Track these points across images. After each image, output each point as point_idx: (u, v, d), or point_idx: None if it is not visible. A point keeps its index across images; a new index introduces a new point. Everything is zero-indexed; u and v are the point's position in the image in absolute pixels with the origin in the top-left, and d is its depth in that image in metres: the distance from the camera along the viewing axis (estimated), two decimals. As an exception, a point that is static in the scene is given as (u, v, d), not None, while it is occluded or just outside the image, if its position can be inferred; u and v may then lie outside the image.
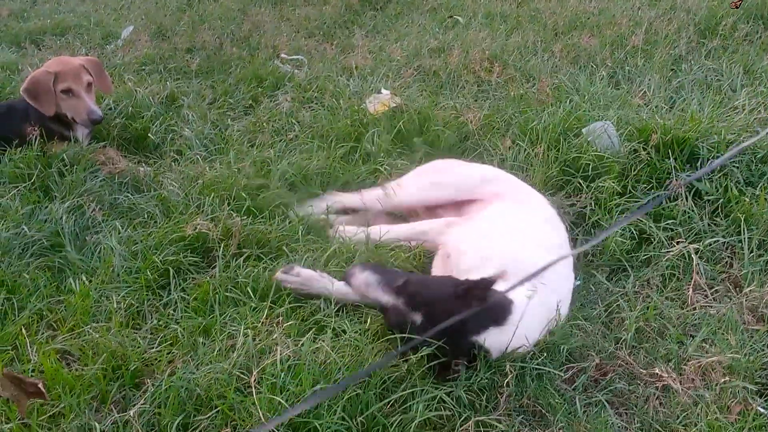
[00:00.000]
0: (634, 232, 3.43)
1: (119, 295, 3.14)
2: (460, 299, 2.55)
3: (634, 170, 3.73)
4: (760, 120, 4.15)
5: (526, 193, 3.45)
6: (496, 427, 2.47)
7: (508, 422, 2.50)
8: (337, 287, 3.01)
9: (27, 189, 3.82)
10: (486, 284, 2.55)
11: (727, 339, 2.80)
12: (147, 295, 3.15)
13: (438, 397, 2.51)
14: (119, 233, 3.48)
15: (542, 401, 2.56)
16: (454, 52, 5.26)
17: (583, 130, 3.98)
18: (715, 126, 3.92)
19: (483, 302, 2.51)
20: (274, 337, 2.68)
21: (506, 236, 3.09)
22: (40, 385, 1.94)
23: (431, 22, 6.41)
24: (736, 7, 5.56)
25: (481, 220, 3.26)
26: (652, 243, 3.41)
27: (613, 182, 3.63)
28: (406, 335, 2.60)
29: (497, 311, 2.62)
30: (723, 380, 2.59)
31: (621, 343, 2.89)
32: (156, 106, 4.78)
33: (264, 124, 4.56)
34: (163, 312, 3.07)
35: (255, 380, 2.47)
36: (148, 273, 3.19)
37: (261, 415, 2.39)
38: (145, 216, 3.67)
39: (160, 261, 3.19)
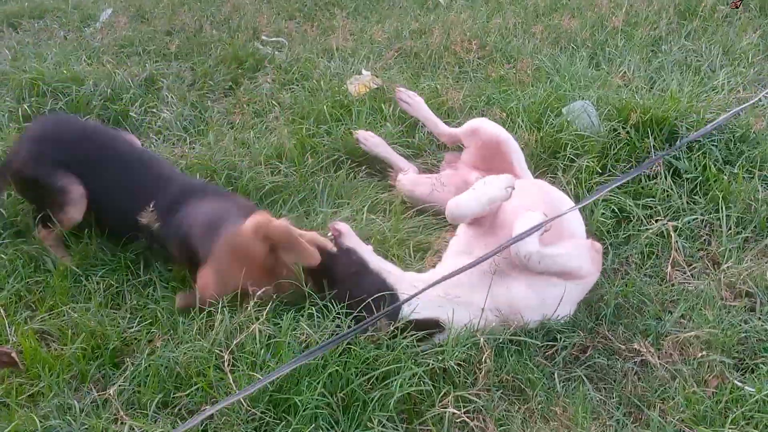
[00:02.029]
0: (616, 210, 3.44)
1: (98, 275, 3.13)
2: None
3: (614, 149, 3.74)
4: (738, 99, 4.17)
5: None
6: (475, 402, 2.49)
7: (488, 397, 2.52)
8: None
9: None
10: None
11: (705, 314, 2.82)
12: (126, 275, 3.14)
13: (418, 373, 2.52)
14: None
15: (521, 377, 2.57)
16: (435, 34, 5.24)
17: (563, 110, 3.98)
18: (695, 105, 3.94)
19: None
20: (251, 315, 2.68)
21: None
22: (13, 354, 1.93)
23: (413, 4, 6.36)
24: (736, 7, 5.57)
25: None
26: (631, 222, 3.43)
27: (593, 161, 3.64)
28: None
29: None
30: (700, 354, 2.63)
31: (601, 319, 2.91)
32: (135, 88, 4.72)
33: (244, 105, 4.53)
34: (143, 292, 3.07)
35: (232, 356, 2.47)
36: (127, 253, 3.18)
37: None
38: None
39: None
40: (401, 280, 2.83)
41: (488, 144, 3.55)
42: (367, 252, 2.97)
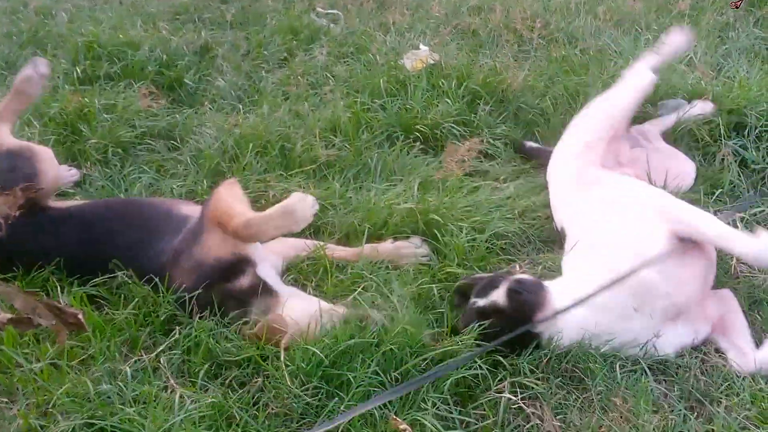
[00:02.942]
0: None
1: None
2: None
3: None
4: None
5: None
6: (532, 389, 2.42)
7: (545, 385, 2.45)
8: None
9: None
10: None
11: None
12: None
13: (473, 357, 2.46)
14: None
15: (582, 365, 2.50)
16: (495, 11, 5.14)
17: (658, 103, 3.86)
18: (764, 94, 3.79)
19: None
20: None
21: None
22: (80, 316, 1.90)
23: (471, -20, 6.26)
24: (737, 7, 5.37)
25: None
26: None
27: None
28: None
29: None
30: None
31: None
32: (190, 55, 4.72)
33: (299, 77, 4.48)
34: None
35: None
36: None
37: (284, 366, 2.37)
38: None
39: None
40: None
41: None
42: None
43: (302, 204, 2.64)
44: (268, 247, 2.94)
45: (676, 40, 3.74)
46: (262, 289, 2.66)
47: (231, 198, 2.75)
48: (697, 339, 2.68)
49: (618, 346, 2.56)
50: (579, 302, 2.50)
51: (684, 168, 3.48)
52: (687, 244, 2.69)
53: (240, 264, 2.71)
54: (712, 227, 2.68)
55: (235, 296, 2.66)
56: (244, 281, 2.68)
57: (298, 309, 2.59)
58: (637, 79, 3.45)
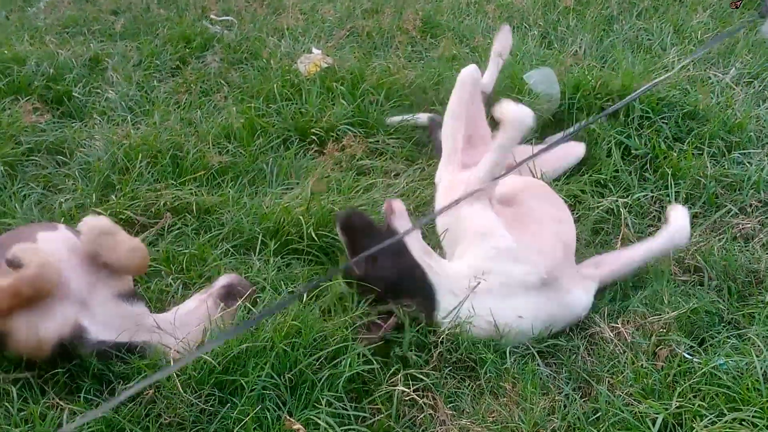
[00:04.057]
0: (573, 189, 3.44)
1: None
2: None
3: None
4: (688, 77, 4.20)
5: None
6: (425, 380, 2.46)
7: (438, 375, 2.49)
8: None
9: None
10: None
11: (661, 295, 2.82)
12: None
13: (365, 353, 2.49)
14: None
15: (474, 355, 2.54)
16: (387, 13, 5.19)
17: (524, 76, 3.97)
18: (647, 82, 3.94)
19: None
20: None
21: None
22: None
23: (364, -17, 6.31)
24: (736, 8, 5.59)
25: None
26: (582, 203, 3.42)
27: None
28: None
29: None
30: (660, 331, 2.63)
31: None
32: (79, 68, 4.60)
33: (191, 85, 4.43)
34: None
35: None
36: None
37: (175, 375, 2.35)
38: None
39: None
40: (441, 276, 2.72)
41: None
42: (414, 239, 2.78)
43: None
44: None
45: (503, 38, 3.96)
46: None
47: None
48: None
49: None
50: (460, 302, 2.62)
51: (573, 149, 3.62)
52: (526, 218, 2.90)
53: None
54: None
55: None
56: None
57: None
58: (459, 80, 3.50)
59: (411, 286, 2.66)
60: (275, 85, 4.22)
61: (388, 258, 2.67)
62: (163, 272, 2.97)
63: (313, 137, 3.92)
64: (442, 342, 2.53)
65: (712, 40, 4.80)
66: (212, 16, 5.52)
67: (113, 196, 3.33)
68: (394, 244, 2.57)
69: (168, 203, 3.28)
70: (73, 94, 4.33)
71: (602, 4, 5.36)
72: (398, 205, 2.82)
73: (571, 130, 3.73)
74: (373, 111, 4.05)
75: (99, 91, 4.42)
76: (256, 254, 3.07)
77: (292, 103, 4.14)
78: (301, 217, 3.15)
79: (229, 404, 2.33)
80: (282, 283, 2.88)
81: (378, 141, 3.91)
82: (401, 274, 2.67)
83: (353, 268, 2.67)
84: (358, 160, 3.73)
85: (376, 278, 2.65)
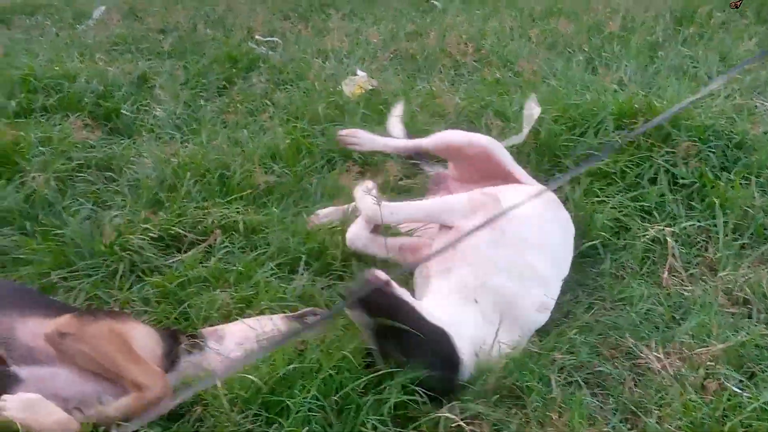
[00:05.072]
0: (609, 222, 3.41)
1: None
2: None
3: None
4: (735, 106, 4.16)
5: None
6: (472, 408, 2.45)
7: (485, 403, 2.48)
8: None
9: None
10: None
11: (709, 326, 2.78)
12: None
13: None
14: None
15: (520, 382, 2.53)
16: (431, 36, 5.23)
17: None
18: (692, 111, 3.92)
19: None
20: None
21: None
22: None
23: (408, 6, 6.37)
24: (736, 8, 5.58)
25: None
26: (630, 230, 3.39)
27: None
28: None
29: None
30: (708, 363, 2.59)
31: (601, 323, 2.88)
32: (128, 85, 4.70)
33: (238, 104, 4.50)
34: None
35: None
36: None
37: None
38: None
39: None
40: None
41: (479, 156, 3.34)
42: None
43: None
44: None
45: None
46: None
47: None
48: None
49: None
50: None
51: None
52: None
53: None
54: None
55: None
56: None
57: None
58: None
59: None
60: (320, 107, 4.26)
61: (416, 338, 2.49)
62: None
63: (357, 158, 3.95)
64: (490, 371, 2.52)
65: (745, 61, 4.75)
66: (258, 37, 5.61)
67: (161, 213, 3.37)
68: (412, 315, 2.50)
69: (215, 221, 3.32)
70: (122, 111, 4.42)
71: (647, 31, 5.35)
72: (383, 275, 2.54)
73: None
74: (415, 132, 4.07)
75: (147, 108, 4.52)
76: (300, 274, 3.10)
77: (337, 125, 4.17)
78: (339, 237, 3.18)
79: (275, 425, 2.33)
80: (325, 304, 2.90)
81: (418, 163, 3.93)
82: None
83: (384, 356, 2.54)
84: (398, 181, 3.75)
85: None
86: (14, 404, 2.25)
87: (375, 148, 3.72)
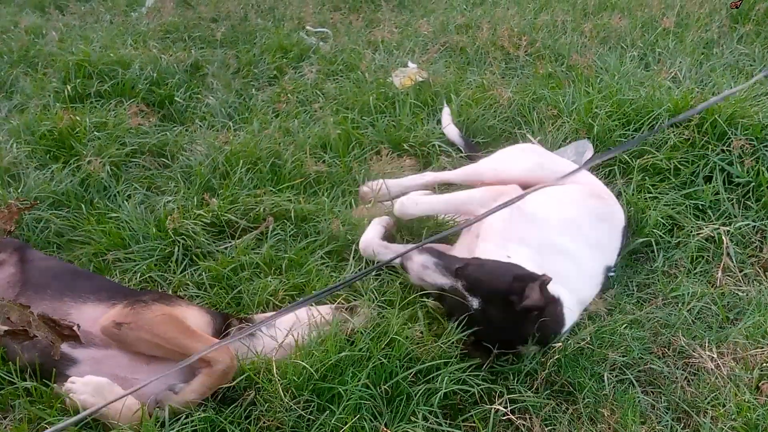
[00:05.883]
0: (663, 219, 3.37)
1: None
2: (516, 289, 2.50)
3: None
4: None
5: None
6: (522, 401, 2.45)
7: (535, 397, 2.47)
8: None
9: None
10: (543, 281, 2.49)
11: (765, 327, 2.75)
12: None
13: (463, 369, 2.49)
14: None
15: (571, 378, 2.52)
16: (482, 29, 5.19)
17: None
18: (748, 109, 3.85)
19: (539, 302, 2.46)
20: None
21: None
22: (75, 328, 1.93)
23: (458, -2, 6.32)
24: (736, 8, 5.45)
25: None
26: (684, 228, 3.35)
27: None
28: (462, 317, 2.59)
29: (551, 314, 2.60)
30: (763, 365, 2.56)
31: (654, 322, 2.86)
32: (180, 73, 4.75)
33: (288, 94, 4.52)
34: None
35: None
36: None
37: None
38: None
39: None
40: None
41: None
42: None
43: None
44: None
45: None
46: None
47: None
48: None
49: None
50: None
51: None
52: None
53: None
54: None
55: None
56: None
57: None
58: None
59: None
60: (370, 98, 4.27)
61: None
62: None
63: (406, 149, 3.95)
64: (543, 365, 2.51)
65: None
66: (308, 27, 5.61)
67: (214, 200, 3.40)
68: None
69: (267, 209, 3.35)
70: (175, 98, 4.47)
71: (702, 27, 5.24)
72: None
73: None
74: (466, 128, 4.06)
75: (199, 96, 4.56)
76: (350, 262, 3.13)
77: (386, 116, 4.18)
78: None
79: (327, 412, 2.36)
80: (375, 291, 2.91)
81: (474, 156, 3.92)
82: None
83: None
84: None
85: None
86: (84, 387, 2.30)
87: (404, 191, 3.57)
